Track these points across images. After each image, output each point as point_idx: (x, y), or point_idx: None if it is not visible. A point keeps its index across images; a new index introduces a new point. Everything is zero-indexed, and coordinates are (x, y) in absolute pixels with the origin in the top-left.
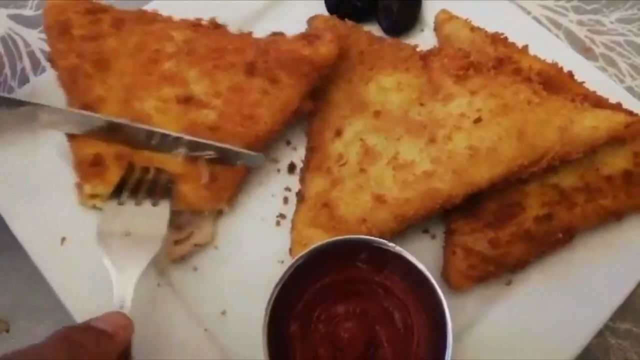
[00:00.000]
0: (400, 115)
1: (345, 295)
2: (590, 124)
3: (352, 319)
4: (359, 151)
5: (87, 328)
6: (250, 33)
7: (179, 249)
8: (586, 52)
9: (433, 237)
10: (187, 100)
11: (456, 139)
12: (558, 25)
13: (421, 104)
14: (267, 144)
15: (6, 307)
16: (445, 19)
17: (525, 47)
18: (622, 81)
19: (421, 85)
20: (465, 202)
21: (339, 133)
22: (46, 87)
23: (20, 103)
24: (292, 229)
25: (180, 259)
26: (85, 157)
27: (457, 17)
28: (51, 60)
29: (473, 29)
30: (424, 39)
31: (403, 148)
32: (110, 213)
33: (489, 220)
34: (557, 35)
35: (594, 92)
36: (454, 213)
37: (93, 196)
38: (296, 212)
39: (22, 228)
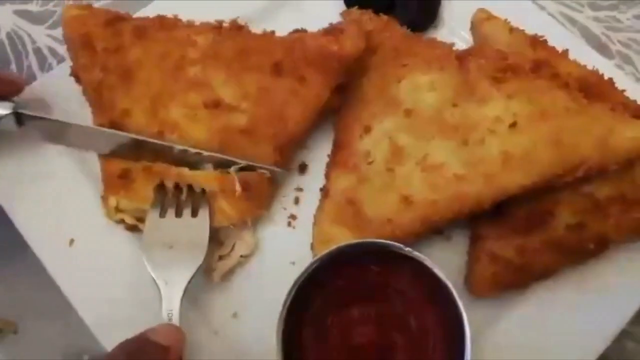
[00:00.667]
0: (432, 116)
1: (360, 299)
2: (631, 135)
3: (367, 323)
4: (387, 150)
5: (147, 342)
6: (273, 32)
7: (225, 264)
8: (602, 49)
9: (448, 238)
10: (216, 105)
11: (489, 143)
12: (573, 22)
13: (455, 105)
14: (298, 145)
15: (14, 309)
16: (483, 18)
17: (565, 51)
18: (638, 80)
19: (456, 85)
20: (494, 208)
21: (367, 130)
22: (53, 84)
23: (49, 122)
24: (315, 224)
25: (229, 273)
26: (113, 170)
27: (495, 17)
28: (75, 75)
29: (512, 30)
30: (441, 38)
31: (433, 149)
32: (152, 226)
33: (517, 226)
34: (572, 32)
35: (635, 102)
36: (480, 218)
37: (118, 210)
38: (320, 208)
39: (30, 229)
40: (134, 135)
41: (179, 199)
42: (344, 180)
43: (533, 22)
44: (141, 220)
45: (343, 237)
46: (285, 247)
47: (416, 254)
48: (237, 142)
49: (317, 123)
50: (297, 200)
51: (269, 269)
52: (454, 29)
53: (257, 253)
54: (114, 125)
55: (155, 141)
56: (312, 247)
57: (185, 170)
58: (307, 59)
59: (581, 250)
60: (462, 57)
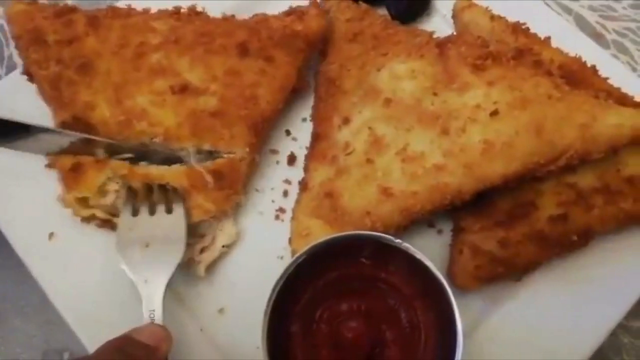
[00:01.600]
0: (412, 105)
1: (349, 293)
2: (614, 122)
3: (356, 317)
4: (366, 140)
5: (133, 342)
6: (233, 16)
7: (208, 255)
8: (597, 38)
9: (439, 232)
10: (183, 89)
11: (470, 132)
12: (569, 11)
13: (435, 94)
14: (270, 126)
15: None
16: (464, 6)
17: (548, 38)
18: (634, 69)
19: (436, 73)
20: (476, 199)
21: (347, 121)
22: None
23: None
24: (293, 218)
25: (213, 266)
26: (65, 166)
27: (476, 5)
28: (27, 72)
29: (493, 17)
30: (434, 26)
31: (413, 139)
32: (126, 226)
33: (500, 218)
34: (567, 21)
35: (619, 89)
36: (463, 210)
37: (80, 201)
38: (298, 201)
39: (9, 223)
40: (83, 135)
41: (150, 198)
42: (322, 173)
43: (527, 13)
44: (115, 215)
45: (321, 231)
46: (273, 241)
47: (408, 246)
48: (209, 125)
49: (287, 104)
50: (285, 193)
51: (256, 263)
52: (445, 17)
53: (243, 247)
54: (77, 120)
55: (105, 140)
56: (290, 241)
57: (152, 169)
58: (273, 39)
59: (565, 243)
60: (442, 45)
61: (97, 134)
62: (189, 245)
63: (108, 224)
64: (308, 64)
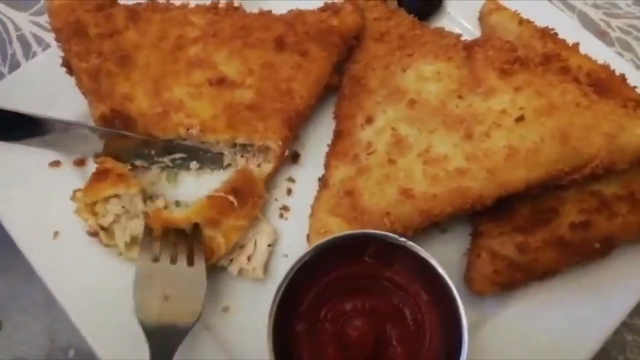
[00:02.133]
0: (437, 107)
1: (354, 291)
2: None
3: (361, 316)
4: (389, 141)
5: None
6: (270, 11)
7: (259, 259)
8: (602, 35)
9: (443, 230)
10: (220, 82)
11: (494, 137)
12: (572, 8)
13: (460, 97)
14: (303, 120)
15: None
16: (492, 8)
17: (576, 45)
18: (638, 67)
19: (462, 76)
20: (497, 204)
21: (370, 120)
22: (38, 72)
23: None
24: (312, 215)
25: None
26: (97, 168)
27: (505, 8)
28: (67, 65)
29: (522, 21)
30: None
31: (436, 141)
32: (145, 273)
33: (520, 224)
34: (571, 19)
35: None
36: (482, 214)
37: (89, 207)
38: (317, 198)
39: (13, 222)
40: (103, 129)
41: (170, 243)
42: (343, 171)
43: (537, 13)
44: (103, 228)
45: (339, 229)
46: (278, 239)
47: (413, 245)
48: (244, 118)
49: (320, 100)
50: (289, 192)
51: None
52: (454, 18)
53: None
54: (115, 112)
55: (126, 133)
56: (308, 238)
57: (174, 212)
58: (309, 34)
59: (586, 250)
60: (469, 48)
61: (135, 125)
62: (231, 261)
63: (95, 235)
64: (342, 61)
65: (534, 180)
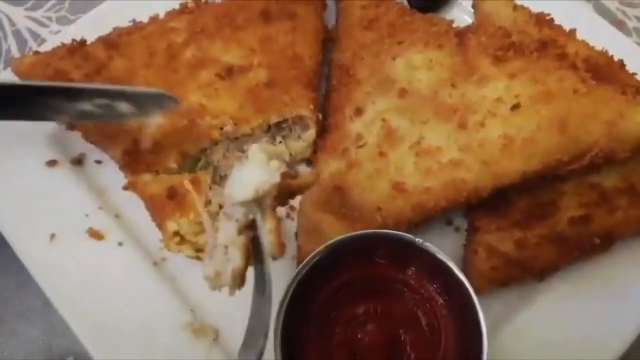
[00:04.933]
0: (429, 96)
1: (366, 294)
2: None
3: (373, 320)
4: (379, 133)
5: None
6: None
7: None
8: (619, 25)
9: (457, 229)
10: (230, 72)
11: (490, 126)
12: None
13: (453, 85)
14: (320, 79)
15: None
16: None
17: (573, 30)
18: None
19: (454, 64)
20: (493, 197)
21: (359, 112)
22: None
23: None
24: (300, 212)
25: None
26: (157, 194)
27: None
28: (68, 122)
29: (516, 7)
30: (453, 17)
31: (429, 132)
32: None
33: (518, 218)
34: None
35: None
36: (479, 208)
37: (177, 235)
38: (305, 193)
39: (9, 225)
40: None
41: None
42: (332, 165)
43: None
44: (200, 250)
45: (330, 226)
46: (286, 240)
47: (429, 245)
48: (268, 97)
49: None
50: None
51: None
52: (464, 7)
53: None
54: (138, 142)
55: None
56: (296, 236)
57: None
58: None
59: (586, 245)
60: (461, 35)
61: (164, 149)
62: None
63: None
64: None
65: (532, 171)
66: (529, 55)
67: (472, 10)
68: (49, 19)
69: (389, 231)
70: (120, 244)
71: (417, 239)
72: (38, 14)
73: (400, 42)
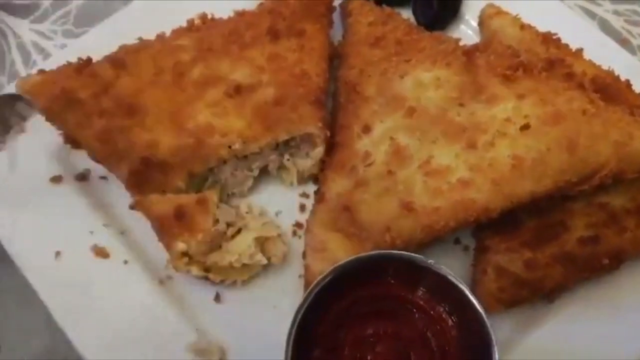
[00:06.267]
0: (438, 115)
1: (375, 315)
2: None
3: (382, 341)
4: (388, 151)
5: None
6: (244, 10)
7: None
8: (623, 44)
9: (465, 248)
10: (238, 90)
11: (499, 146)
12: (593, 15)
13: (461, 104)
14: (326, 97)
15: None
16: (492, 13)
17: (580, 50)
18: None
19: (463, 83)
20: (502, 217)
21: (367, 129)
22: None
23: None
24: (307, 231)
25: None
26: (164, 214)
27: (505, 13)
28: (70, 140)
29: (523, 26)
30: (460, 35)
31: (438, 151)
32: None
33: (527, 238)
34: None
35: None
36: (487, 228)
37: (186, 255)
38: (313, 212)
39: (13, 242)
40: None
41: None
42: (340, 184)
43: (554, 19)
44: (209, 270)
45: (338, 245)
46: (291, 258)
47: (440, 267)
48: (276, 115)
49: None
50: (302, 208)
51: (275, 283)
52: (471, 24)
53: (265, 271)
54: (146, 162)
55: None
56: (304, 255)
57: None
58: (296, 13)
59: (595, 266)
60: (469, 53)
61: (172, 168)
62: None
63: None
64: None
65: (542, 191)
66: (537, 75)
67: (479, 27)
68: (54, 32)
69: (401, 252)
70: (125, 262)
71: (429, 261)
72: (44, 27)
73: (408, 60)
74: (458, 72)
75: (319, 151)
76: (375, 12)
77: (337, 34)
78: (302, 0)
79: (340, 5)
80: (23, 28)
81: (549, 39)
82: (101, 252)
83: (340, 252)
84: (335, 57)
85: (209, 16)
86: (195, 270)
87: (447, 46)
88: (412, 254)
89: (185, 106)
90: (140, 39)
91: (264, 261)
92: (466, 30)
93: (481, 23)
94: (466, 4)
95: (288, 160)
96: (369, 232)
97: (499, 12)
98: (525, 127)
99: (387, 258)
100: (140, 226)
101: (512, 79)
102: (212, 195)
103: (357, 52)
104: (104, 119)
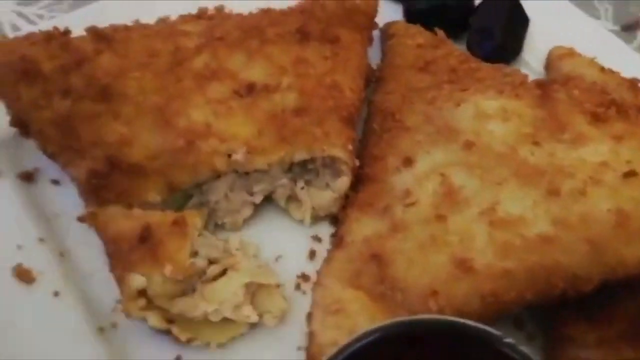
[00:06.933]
0: (505, 153)
1: None
2: None
3: None
4: (437, 190)
5: None
6: (269, 8)
7: None
8: None
9: (530, 337)
10: (251, 89)
11: (594, 196)
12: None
13: (535, 143)
14: (359, 120)
15: None
16: (563, 54)
17: None
18: None
19: (537, 118)
20: (593, 295)
21: (409, 162)
22: None
23: None
24: (317, 284)
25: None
26: (125, 234)
27: (579, 54)
28: (19, 123)
29: (603, 70)
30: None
31: (507, 196)
32: None
33: (625, 328)
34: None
35: None
36: (569, 311)
37: (143, 295)
38: (328, 261)
39: None
40: None
41: None
42: (369, 226)
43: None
44: (172, 321)
45: (359, 307)
46: (291, 320)
47: (524, 352)
48: (296, 126)
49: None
50: (312, 254)
51: (264, 352)
52: (533, 67)
53: (253, 333)
54: (112, 163)
55: None
56: (309, 317)
57: None
58: (333, 18)
59: None
60: (545, 86)
61: (147, 175)
62: None
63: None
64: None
65: None
66: (634, 118)
67: (545, 70)
68: (40, 16)
69: (465, 321)
70: (56, 293)
71: (506, 339)
72: (29, 10)
73: (464, 89)
74: (531, 105)
75: (343, 182)
76: (424, 35)
77: (374, 56)
78: (343, 5)
79: (382, 28)
80: (4, 8)
81: (636, 86)
82: (25, 275)
83: (361, 317)
84: (371, 81)
85: (227, 11)
86: (153, 319)
87: (514, 79)
88: (484, 326)
89: (179, 99)
90: (137, 21)
91: (254, 318)
92: (526, 71)
93: (549, 65)
94: (526, 43)
95: (302, 188)
96: (405, 293)
97: (572, 53)
98: (629, 175)
99: (436, 327)
100: (88, 248)
101: (603, 119)
102: (195, 218)
103: (400, 76)
104: (69, 100)
